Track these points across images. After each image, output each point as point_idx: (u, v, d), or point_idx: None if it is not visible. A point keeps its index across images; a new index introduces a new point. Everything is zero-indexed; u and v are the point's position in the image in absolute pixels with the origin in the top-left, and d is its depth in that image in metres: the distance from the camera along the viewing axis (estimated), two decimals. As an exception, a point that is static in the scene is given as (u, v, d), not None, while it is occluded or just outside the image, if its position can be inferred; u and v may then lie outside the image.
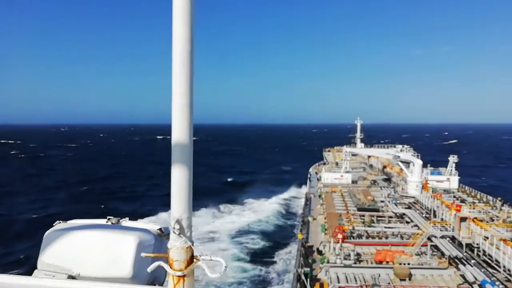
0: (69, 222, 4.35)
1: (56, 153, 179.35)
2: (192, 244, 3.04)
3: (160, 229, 3.78)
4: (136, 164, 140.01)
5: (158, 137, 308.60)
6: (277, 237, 53.49)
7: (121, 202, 79.22)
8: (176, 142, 3.00)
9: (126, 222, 4.35)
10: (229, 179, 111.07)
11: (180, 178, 2.98)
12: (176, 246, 3.00)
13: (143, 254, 3.33)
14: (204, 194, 73.04)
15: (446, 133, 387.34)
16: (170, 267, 2.97)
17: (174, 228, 2.97)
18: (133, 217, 4.37)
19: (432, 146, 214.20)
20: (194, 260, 3.01)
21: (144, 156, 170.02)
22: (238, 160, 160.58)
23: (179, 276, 2.96)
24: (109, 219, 4.29)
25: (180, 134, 2.98)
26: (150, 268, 3.15)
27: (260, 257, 45.92)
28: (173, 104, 2.97)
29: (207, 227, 57.96)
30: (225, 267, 2.98)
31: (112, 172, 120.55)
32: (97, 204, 73.97)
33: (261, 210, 68.43)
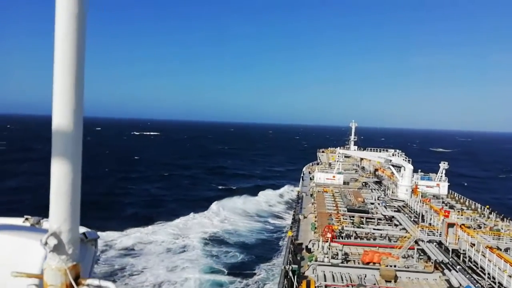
0: None
1: None
2: (76, 264, 2.44)
3: (83, 233, 2.98)
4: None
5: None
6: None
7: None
8: (58, 134, 2.35)
9: (48, 223, 3.40)
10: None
11: (61, 180, 2.38)
12: (51, 266, 2.39)
13: (13, 273, 2.56)
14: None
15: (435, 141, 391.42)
16: None
17: (47, 243, 2.34)
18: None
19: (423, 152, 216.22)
20: (74, 285, 2.39)
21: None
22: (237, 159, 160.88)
23: None
24: (26, 218, 3.59)
25: (63, 124, 2.33)
26: None
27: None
28: (54, 87, 2.33)
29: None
30: None
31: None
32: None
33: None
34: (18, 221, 3.58)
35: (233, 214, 67.23)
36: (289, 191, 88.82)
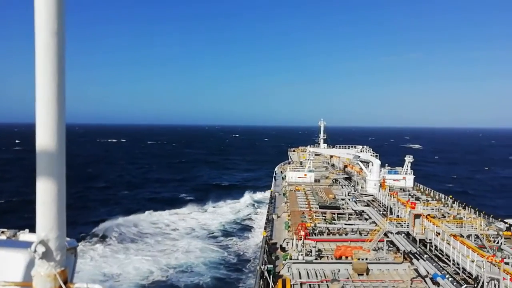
0: None
1: None
2: (64, 270, 2.58)
3: None
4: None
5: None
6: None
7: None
8: (42, 145, 2.48)
9: (25, 235, 3.71)
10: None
11: (47, 189, 2.49)
12: (40, 273, 2.50)
13: (1, 283, 2.75)
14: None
15: (408, 138, 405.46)
16: None
17: (36, 251, 2.46)
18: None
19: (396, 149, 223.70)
20: None
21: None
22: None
23: None
24: (2, 231, 3.69)
25: (47, 135, 2.46)
26: None
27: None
28: (37, 99, 2.46)
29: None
30: None
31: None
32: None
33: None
34: None
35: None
36: (248, 204, 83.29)
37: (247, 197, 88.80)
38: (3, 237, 3.64)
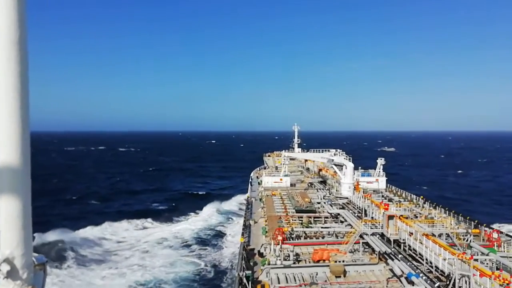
0: None
1: None
2: (33, 287, 2.47)
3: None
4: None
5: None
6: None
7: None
8: (4, 158, 2.34)
9: None
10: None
11: (11, 204, 2.34)
12: None
13: None
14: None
15: (380, 141, 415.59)
16: None
17: (0, 270, 2.34)
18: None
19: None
20: None
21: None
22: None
23: None
24: None
25: (9, 148, 2.33)
26: None
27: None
28: None
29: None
30: None
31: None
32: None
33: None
34: None
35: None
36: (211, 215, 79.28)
37: (221, 205, 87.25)
38: None
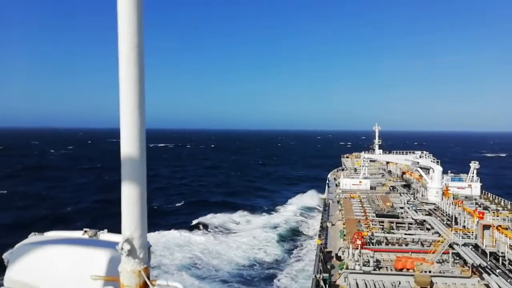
0: (45, 234, 4.05)
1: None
2: (147, 267, 2.74)
3: None
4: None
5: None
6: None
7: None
8: (126, 150, 2.67)
9: (104, 235, 4.00)
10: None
11: (131, 192, 2.68)
12: (126, 269, 2.69)
13: (93, 277, 3.03)
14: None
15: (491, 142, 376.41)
16: None
17: (122, 248, 2.66)
18: (115, 229, 3.80)
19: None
20: (149, 285, 2.71)
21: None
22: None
23: None
24: (85, 231, 3.98)
25: (130, 141, 2.64)
26: None
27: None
28: (121, 108, 2.63)
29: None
30: None
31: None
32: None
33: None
34: (78, 233, 4.01)
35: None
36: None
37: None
38: (86, 236, 3.97)
